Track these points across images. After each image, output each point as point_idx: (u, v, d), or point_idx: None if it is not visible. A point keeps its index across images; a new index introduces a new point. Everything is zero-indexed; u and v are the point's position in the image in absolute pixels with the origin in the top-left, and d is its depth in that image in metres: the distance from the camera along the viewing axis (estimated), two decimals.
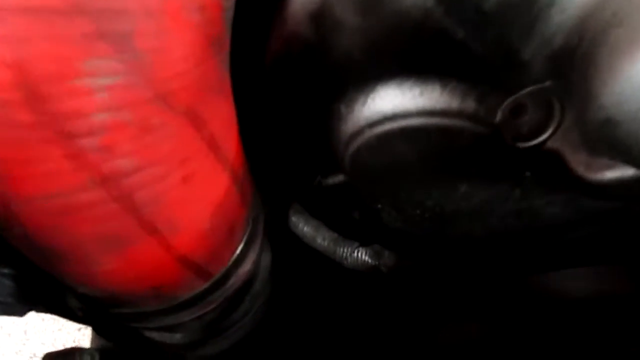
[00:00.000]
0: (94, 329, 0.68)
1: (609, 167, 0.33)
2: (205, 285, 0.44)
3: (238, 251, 0.46)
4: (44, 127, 0.26)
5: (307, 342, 0.70)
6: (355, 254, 0.61)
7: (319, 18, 0.36)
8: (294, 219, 0.62)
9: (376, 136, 0.41)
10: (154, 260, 0.37)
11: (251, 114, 0.44)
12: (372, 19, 0.34)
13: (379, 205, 0.55)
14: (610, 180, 0.33)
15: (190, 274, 0.41)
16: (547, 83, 0.34)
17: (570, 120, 0.34)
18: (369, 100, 0.40)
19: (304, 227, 0.62)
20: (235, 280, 0.48)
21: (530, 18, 0.32)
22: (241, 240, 0.46)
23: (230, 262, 0.46)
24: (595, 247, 0.58)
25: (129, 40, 0.26)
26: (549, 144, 0.35)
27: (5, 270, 0.47)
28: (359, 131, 0.42)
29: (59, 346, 1.56)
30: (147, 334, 0.55)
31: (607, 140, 0.30)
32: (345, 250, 0.61)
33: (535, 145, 0.36)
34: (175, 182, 0.33)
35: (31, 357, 1.55)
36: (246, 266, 0.49)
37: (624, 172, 0.33)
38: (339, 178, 0.53)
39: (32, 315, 0.52)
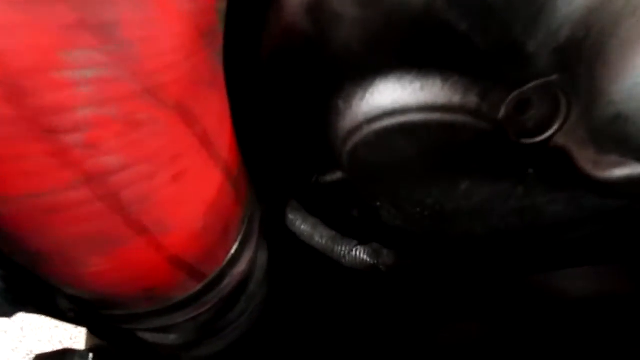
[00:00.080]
0: (88, 329, 0.67)
1: (618, 165, 0.32)
2: (199, 286, 0.43)
3: (233, 251, 0.45)
4: (25, 122, 0.25)
5: (305, 342, 0.69)
6: (354, 252, 0.60)
7: (316, 10, 0.35)
8: (291, 216, 0.61)
9: (375, 132, 0.40)
10: (144, 261, 0.35)
11: (246, 110, 0.42)
12: (371, 10, 0.33)
13: (378, 203, 0.54)
14: (619, 178, 0.32)
15: (183, 275, 0.39)
16: (553, 77, 0.33)
17: (577, 115, 0.33)
18: (368, 95, 0.38)
19: (301, 225, 0.61)
20: (230, 281, 0.47)
21: (535, 9, 0.31)
22: (236, 240, 0.45)
23: (224, 262, 0.44)
24: (596, 246, 0.57)
25: (114, 30, 0.25)
26: (555, 140, 0.34)
27: None
28: (357, 127, 0.40)
29: (55, 343, 1.56)
30: (141, 334, 0.54)
31: (617, 136, 0.29)
32: (344, 248, 0.60)
33: (540, 142, 0.35)
34: (165, 180, 0.32)
35: (28, 354, 1.54)
36: (241, 266, 0.48)
37: (633, 169, 0.31)
38: (337, 175, 0.52)
39: None
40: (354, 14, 0.33)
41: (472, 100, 0.36)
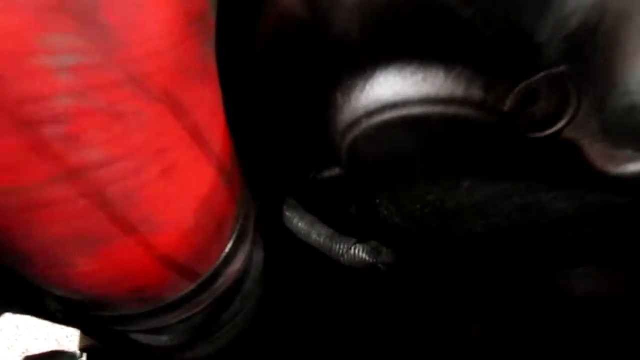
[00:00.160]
0: (79, 329, 0.65)
1: (632, 159, 0.30)
2: (192, 286, 0.41)
3: (227, 249, 0.43)
4: (0, 112, 0.23)
5: (303, 342, 0.68)
6: (352, 250, 0.58)
7: None
8: (287, 214, 0.60)
9: (374, 126, 0.38)
10: (133, 261, 0.34)
11: (240, 102, 0.41)
12: None
13: (377, 200, 0.52)
14: (634, 174, 0.30)
15: (174, 275, 0.38)
16: (563, 67, 0.31)
17: (588, 107, 0.31)
18: (367, 87, 0.37)
19: (298, 222, 0.59)
20: (224, 280, 0.45)
21: None
22: (230, 238, 0.44)
23: (218, 261, 0.43)
24: (600, 244, 0.56)
25: (95, 14, 0.23)
26: (564, 133, 0.32)
27: None
28: (356, 120, 0.39)
29: (51, 341, 1.55)
30: (134, 336, 0.52)
31: (632, 129, 0.27)
32: (342, 246, 0.58)
33: (548, 136, 0.33)
34: (152, 175, 0.30)
35: (24, 352, 1.53)
36: (236, 265, 0.46)
37: None
38: (335, 171, 0.50)
39: None
40: (352, 0, 0.32)
41: (477, 92, 0.34)
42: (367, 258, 0.58)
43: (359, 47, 0.35)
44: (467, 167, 0.42)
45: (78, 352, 0.71)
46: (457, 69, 0.34)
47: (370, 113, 0.38)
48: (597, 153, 0.31)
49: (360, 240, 0.59)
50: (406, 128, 0.38)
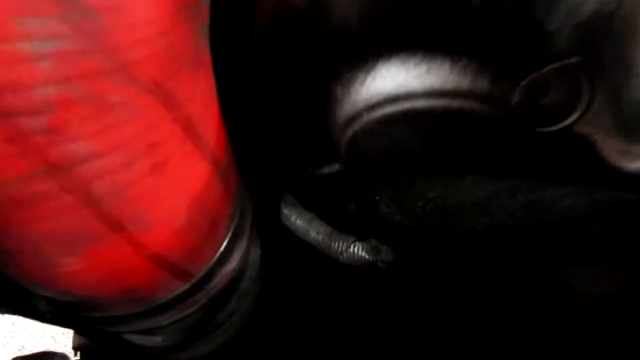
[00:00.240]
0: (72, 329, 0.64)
1: None
2: (186, 286, 0.40)
3: (222, 248, 0.42)
4: None
5: (302, 342, 0.67)
6: (352, 249, 0.57)
7: None
8: (285, 211, 0.58)
9: (376, 120, 0.37)
10: (122, 261, 0.32)
11: (236, 94, 0.39)
12: None
13: (377, 197, 0.51)
14: None
15: (166, 275, 0.36)
16: (574, 58, 0.29)
17: (601, 100, 0.29)
18: (369, 80, 0.35)
19: (296, 220, 0.58)
20: (220, 280, 0.44)
21: None
22: (225, 236, 0.42)
23: (213, 260, 0.41)
24: (606, 243, 0.55)
25: None
26: (576, 128, 0.31)
27: None
28: (357, 114, 0.37)
29: (47, 337, 1.53)
30: (126, 336, 0.51)
31: None
32: (341, 245, 0.57)
33: (559, 130, 0.32)
34: (142, 171, 0.29)
35: (20, 349, 1.52)
36: (232, 264, 0.45)
37: None
38: (335, 167, 0.49)
39: None
40: None
41: (483, 84, 0.33)
42: (366, 256, 0.57)
43: (359, 36, 0.34)
44: (471, 163, 0.41)
45: (72, 351, 0.70)
46: (463, 61, 0.32)
47: (371, 107, 0.36)
48: (610, 148, 0.29)
49: (360, 238, 0.58)
50: (409, 122, 0.36)
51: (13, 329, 1.52)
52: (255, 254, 0.54)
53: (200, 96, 0.32)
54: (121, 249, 0.31)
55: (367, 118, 0.37)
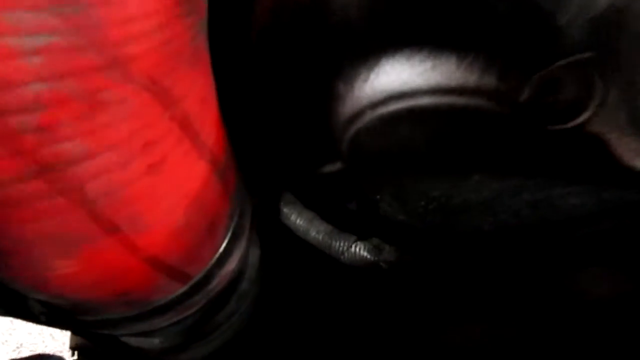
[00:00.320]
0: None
1: None
2: (183, 288, 0.39)
3: (221, 249, 0.41)
4: None
5: (302, 344, 0.66)
6: (353, 248, 0.56)
7: None
8: (285, 210, 0.57)
9: (379, 118, 0.36)
10: (117, 263, 0.31)
11: (235, 91, 0.38)
12: None
13: (380, 196, 0.50)
14: None
15: (163, 277, 0.35)
16: (587, 54, 0.28)
17: (616, 97, 0.28)
18: (372, 76, 0.34)
19: (296, 219, 0.57)
20: (219, 281, 0.43)
21: None
22: (225, 237, 0.41)
23: (212, 262, 0.40)
24: (611, 243, 0.54)
25: None
26: (589, 126, 0.30)
27: None
28: (360, 112, 0.36)
29: (46, 335, 1.53)
30: (123, 338, 0.50)
31: None
32: (342, 244, 0.56)
33: (570, 128, 0.31)
34: (138, 171, 0.28)
35: (18, 347, 1.51)
36: (231, 265, 0.44)
37: None
38: (336, 166, 0.48)
39: None
40: None
41: (490, 80, 0.32)
42: (368, 256, 0.56)
43: (362, 32, 0.33)
44: (477, 161, 0.40)
45: (69, 352, 0.69)
46: (470, 57, 0.32)
47: (374, 104, 0.35)
48: (625, 147, 0.28)
49: (362, 237, 0.57)
50: (413, 120, 0.35)
51: (11, 326, 1.51)
52: (255, 254, 0.53)
53: (198, 93, 0.31)
54: (116, 251, 0.30)
55: (370, 116, 0.36)
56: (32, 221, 0.26)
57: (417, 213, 0.51)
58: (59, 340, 1.44)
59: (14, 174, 0.23)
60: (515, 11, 0.28)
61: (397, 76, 0.34)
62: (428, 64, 0.33)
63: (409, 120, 0.35)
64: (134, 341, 0.50)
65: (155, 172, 0.29)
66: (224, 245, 0.41)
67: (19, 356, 1.34)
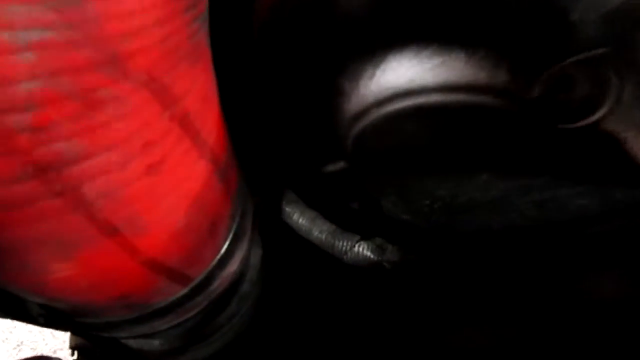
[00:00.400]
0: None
1: None
2: (184, 290, 0.38)
3: (222, 250, 0.40)
4: None
5: (304, 346, 0.66)
6: (356, 248, 0.55)
7: None
8: (287, 209, 0.57)
9: (385, 116, 0.35)
10: (116, 266, 0.30)
11: (236, 88, 0.37)
12: None
13: (384, 195, 0.49)
14: None
15: (163, 279, 0.34)
16: (601, 50, 0.27)
17: (631, 95, 0.28)
18: (378, 73, 0.33)
19: (299, 218, 0.57)
20: (220, 283, 0.42)
21: None
22: (226, 238, 0.40)
23: (213, 263, 0.40)
24: (619, 244, 0.54)
25: None
26: (603, 125, 0.29)
27: None
28: (365, 110, 0.35)
29: (46, 333, 1.52)
30: (123, 340, 0.49)
31: None
32: (345, 244, 0.55)
33: (583, 127, 0.30)
34: (137, 171, 0.27)
35: (18, 345, 1.51)
36: (232, 266, 0.43)
37: None
38: (340, 165, 0.47)
39: None
40: None
41: (501, 77, 0.31)
42: (371, 256, 0.56)
43: (368, 26, 0.32)
44: (485, 160, 0.39)
45: (69, 350, 0.68)
46: (480, 53, 0.31)
47: (380, 102, 0.35)
48: None
49: (365, 237, 0.56)
50: (420, 118, 0.35)
51: (12, 324, 1.51)
52: (257, 255, 0.52)
53: (198, 91, 0.30)
54: (115, 254, 0.30)
55: (376, 113, 0.35)
56: (28, 223, 0.25)
57: (421, 212, 0.50)
58: (59, 338, 1.44)
59: (8, 174, 0.22)
60: (527, 6, 0.28)
61: (404, 73, 0.33)
62: (436, 60, 0.32)
63: (416, 118, 0.35)
64: (134, 343, 0.50)
65: (155, 172, 0.28)
66: (225, 246, 0.40)
67: (19, 354, 1.34)
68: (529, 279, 0.60)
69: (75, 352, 0.68)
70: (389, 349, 0.63)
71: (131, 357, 0.55)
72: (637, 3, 0.25)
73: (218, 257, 0.40)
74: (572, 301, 0.59)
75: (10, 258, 0.28)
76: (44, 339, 1.43)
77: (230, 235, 0.41)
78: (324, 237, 0.56)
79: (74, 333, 0.59)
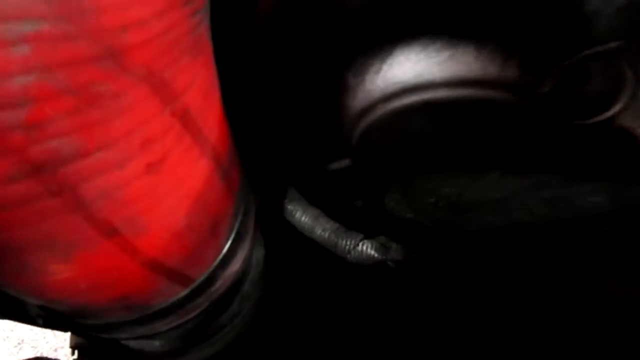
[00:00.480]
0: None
1: None
2: (185, 291, 0.38)
3: (224, 250, 0.39)
4: None
5: (307, 345, 0.65)
6: (359, 247, 0.55)
7: None
8: (290, 207, 0.56)
9: (392, 112, 0.34)
10: (115, 267, 0.30)
11: (238, 84, 0.36)
12: None
13: (388, 193, 0.48)
14: None
15: (163, 280, 0.34)
16: (615, 43, 0.27)
17: None
18: (385, 67, 0.32)
19: (301, 216, 0.56)
20: (222, 283, 0.42)
21: None
22: (228, 237, 0.40)
23: (215, 263, 0.39)
24: (628, 243, 0.53)
25: None
26: (619, 120, 0.28)
27: None
28: (371, 105, 0.35)
29: (47, 332, 1.51)
30: (124, 341, 0.48)
31: None
32: (348, 242, 0.55)
33: (598, 123, 0.29)
34: (136, 170, 0.26)
35: (19, 343, 1.50)
36: (234, 266, 0.42)
37: None
38: (344, 162, 0.46)
39: None
40: None
41: (512, 72, 0.30)
42: (375, 255, 0.55)
43: (374, 19, 0.31)
44: (495, 157, 0.38)
45: (69, 349, 0.68)
46: (489, 46, 0.30)
47: (387, 97, 0.34)
48: None
49: (368, 235, 0.55)
50: (428, 114, 0.34)
51: (12, 323, 1.50)
52: (259, 254, 0.52)
53: (200, 86, 0.29)
54: (114, 255, 0.29)
55: (382, 109, 0.34)
56: (26, 224, 0.24)
57: (426, 210, 0.49)
58: (60, 336, 1.43)
59: (3, 173, 0.22)
60: None
61: (411, 67, 0.32)
62: (445, 54, 0.31)
63: (424, 114, 0.34)
64: (134, 344, 0.49)
65: (155, 171, 0.27)
66: (227, 246, 0.39)
67: (20, 352, 1.34)
68: (535, 278, 0.59)
69: (76, 352, 0.67)
70: (392, 349, 0.62)
71: (132, 357, 0.54)
72: None
73: (220, 257, 0.39)
74: (578, 301, 0.58)
75: (8, 259, 0.27)
76: (44, 338, 1.42)
77: (233, 235, 0.40)
78: (327, 235, 0.55)
79: (74, 334, 0.58)
